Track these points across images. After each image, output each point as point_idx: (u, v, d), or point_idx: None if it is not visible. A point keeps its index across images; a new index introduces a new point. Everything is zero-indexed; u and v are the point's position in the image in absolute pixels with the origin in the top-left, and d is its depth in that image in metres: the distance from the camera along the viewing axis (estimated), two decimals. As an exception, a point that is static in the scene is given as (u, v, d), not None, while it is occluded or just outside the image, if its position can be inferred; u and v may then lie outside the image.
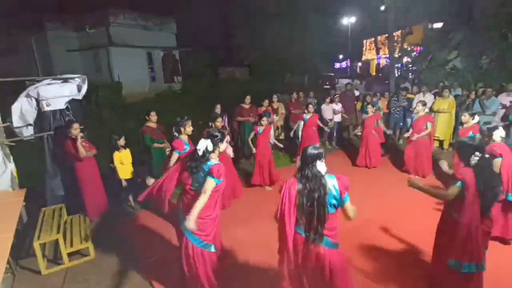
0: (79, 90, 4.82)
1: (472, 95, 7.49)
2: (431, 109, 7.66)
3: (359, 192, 5.41)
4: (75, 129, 4.35)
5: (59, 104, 4.64)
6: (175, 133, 4.18)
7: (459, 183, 2.63)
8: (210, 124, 5.15)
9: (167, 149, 5.55)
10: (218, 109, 6.85)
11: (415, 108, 7.90)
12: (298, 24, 18.88)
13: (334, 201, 2.25)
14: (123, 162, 4.87)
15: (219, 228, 2.93)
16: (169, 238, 4.06)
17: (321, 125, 6.91)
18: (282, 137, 8.22)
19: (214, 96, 12.10)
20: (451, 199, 2.69)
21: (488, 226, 2.86)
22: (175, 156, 3.77)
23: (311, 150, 2.31)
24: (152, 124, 5.44)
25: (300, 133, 6.90)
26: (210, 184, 2.51)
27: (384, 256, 3.63)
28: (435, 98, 7.76)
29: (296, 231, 2.31)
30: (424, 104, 5.93)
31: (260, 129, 5.68)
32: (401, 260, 3.54)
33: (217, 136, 2.71)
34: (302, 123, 6.79)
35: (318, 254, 2.30)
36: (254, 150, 5.76)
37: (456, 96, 7.84)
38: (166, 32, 20.06)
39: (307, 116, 6.66)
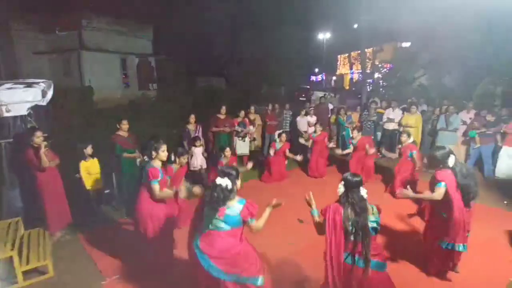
0: (43, 95, 4.56)
1: (437, 111, 7.93)
2: (399, 124, 8.03)
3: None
4: (38, 137, 4.09)
5: (21, 110, 4.36)
6: (145, 158, 3.73)
7: (442, 184, 3.09)
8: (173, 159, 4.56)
9: (138, 159, 5.37)
10: (192, 119, 6.76)
11: (384, 122, 8.30)
12: (275, 36, 19.27)
13: (375, 225, 2.48)
14: (90, 172, 4.64)
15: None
16: (136, 254, 3.86)
17: (290, 155, 6.78)
18: (257, 148, 8.23)
19: (190, 105, 11.95)
20: (440, 198, 3.11)
21: (468, 217, 3.30)
22: (156, 187, 3.39)
23: (353, 178, 2.51)
24: (123, 133, 5.26)
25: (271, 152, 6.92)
26: (254, 226, 2.57)
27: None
28: (403, 113, 8.13)
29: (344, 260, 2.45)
30: (409, 135, 5.92)
31: (224, 160, 5.61)
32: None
33: (233, 173, 2.61)
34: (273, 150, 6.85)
35: (368, 278, 2.40)
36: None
37: (422, 112, 8.27)
38: (142, 38, 19.70)
39: (278, 145, 6.75)
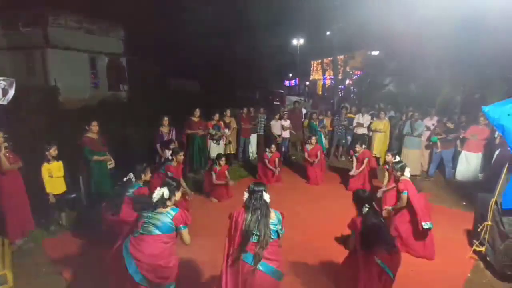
0: (4, 94, 4.28)
1: (404, 117, 8.36)
2: (369, 129, 8.37)
3: (306, 207, 5.63)
4: (-2, 138, 3.84)
5: (-21, 109, 4.08)
6: (132, 178, 3.91)
7: (404, 193, 3.93)
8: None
9: (109, 163, 5.19)
10: (166, 121, 6.64)
11: (354, 126, 8.62)
12: (250, 41, 19.44)
13: (277, 228, 2.59)
14: (53, 175, 4.39)
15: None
16: (99, 262, 3.71)
17: (270, 167, 6.94)
18: (233, 151, 8.21)
19: (162, 107, 11.70)
20: (406, 204, 3.97)
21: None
22: None
23: (256, 187, 2.66)
24: (93, 135, 5.06)
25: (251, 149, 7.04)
26: (185, 235, 2.70)
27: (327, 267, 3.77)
28: (372, 118, 8.50)
29: (242, 259, 2.50)
30: (361, 145, 6.57)
31: (218, 168, 5.92)
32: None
33: (173, 184, 2.83)
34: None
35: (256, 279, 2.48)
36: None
37: (390, 118, 8.68)
38: (113, 37, 19.01)
39: (269, 155, 6.97)
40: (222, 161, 5.99)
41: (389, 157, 5.42)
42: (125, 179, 3.88)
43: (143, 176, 4.00)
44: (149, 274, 2.57)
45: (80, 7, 16.27)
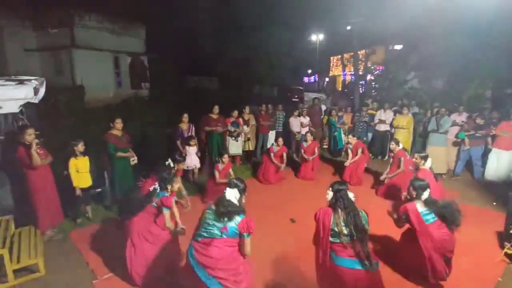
0: (35, 93, 4.49)
1: (428, 114, 8.06)
2: (391, 125, 8.14)
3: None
4: (30, 135, 4.03)
5: (12, 107, 4.28)
6: (156, 187, 3.59)
7: (404, 216, 3.35)
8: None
9: (132, 159, 5.34)
10: (185, 118, 6.74)
11: (376, 123, 8.41)
12: (269, 37, 19.31)
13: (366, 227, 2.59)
14: (79, 170, 4.58)
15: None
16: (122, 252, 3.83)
17: (275, 161, 6.78)
18: (252, 148, 8.24)
19: (182, 104, 11.89)
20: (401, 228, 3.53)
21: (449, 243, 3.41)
22: (167, 214, 3.30)
23: (340, 186, 2.67)
24: (117, 132, 5.21)
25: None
26: (247, 244, 2.55)
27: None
28: (394, 115, 8.25)
29: (341, 265, 2.53)
30: (397, 143, 5.96)
31: (221, 165, 5.70)
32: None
33: (241, 186, 2.74)
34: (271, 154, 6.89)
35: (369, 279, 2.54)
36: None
37: (414, 114, 8.39)
38: (135, 37, 19.51)
39: (276, 148, 6.84)
40: (225, 158, 5.70)
41: (393, 146, 5.79)
42: (167, 163, 3.94)
43: (169, 187, 3.48)
44: (221, 279, 2.49)
45: (103, 8, 16.78)
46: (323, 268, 2.66)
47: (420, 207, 3.28)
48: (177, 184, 3.69)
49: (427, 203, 3.29)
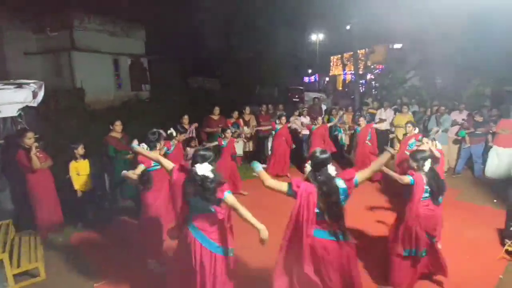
0: (34, 96, 4.51)
1: (428, 112, 8.04)
2: (391, 124, 8.12)
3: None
4: (29, 139, 4.05)
5: (11, 111, 4.30)
6: (173, 132, 4.08)
7: (410, 178, 3.19)
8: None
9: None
10: (185, 119, 6.74)
11: (377, 122, 8.39)
12: (268, 37, 19.33)
13: (344, 199, 2.45)
14: (80, 173, 4.58)
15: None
16: (127, 256, 3.84)
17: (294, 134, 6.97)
18: (251, 148, 8.23)
19: (183, 105, 11.91)
20: (402, 183, 3.23)
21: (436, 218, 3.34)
22: (138, 169, 3.52)
23: (321, 154, 2.45)
24: (117, 134, 5.23)
25: (270, 145, 6.98)
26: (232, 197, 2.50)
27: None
28: (395, 113, 8.23)
29: (316, 235, 2.43)
30: (414, 126, 5.89)
31: (224, 141, 5.73)
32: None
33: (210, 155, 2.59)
34: (273, 132, 6.98)
35: (342, 250, 2.45)
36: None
37: (413, 112, 8.38)
38: (135, 39, 19.55)
39: (278, 126, 6.82)
40: (228, 133, 5.71)
41: (410, 128, 5.56)
42: (169, 132, 3.97)
43: (158, 145, 3.65)
44: (218, 240, 2.55)
45: (103, 10, 16.81)
46: (293, 243, 2.54)
47: (424, 179, 3.21)
48: (163, 144, 3.85)
49: (428, 175, 3.22)
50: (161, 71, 19.67)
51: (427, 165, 3.23)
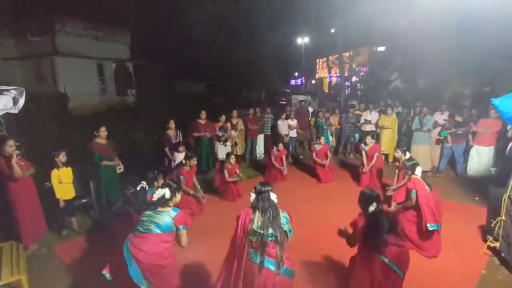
0: (15, 103, 4.37)
1: (412, 113, 8.24)
2: (376, 125, 8.29)
3: (316, 206, 5.60)
4: (10, 146, 3.93)
5: (-9, 118, 4.17)
6: (144, 185, 3.81)
7: (413, 192, 3.85)
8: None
9: (118, 168, 5.26)
10: (172, 124, 6.70)
11: (362, 123, 8.55)
12: (255, 41, 19.46)
13: (286, 229, 2.59)
14: (62, 181, 4.47)
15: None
16: (114, 264, 3.74)
17: (276, 164, 6.95)
18: (240, 152, 8.23)
19: (170, 110, 11.79)
20: (414, 203, 3.88)
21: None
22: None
23: (262, 187, 2.63)
24: (102, 140, 5.13)
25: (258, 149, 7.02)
26: (183, 236, 2.73)
27: (336, 266, 3.74)
28: (379, 115, 8.41)
29: (255, 262, 2.49)
30: (404, 152, 5.55)
31: (229, 166, 5.97)
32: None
33: (174, 186, 2.89)
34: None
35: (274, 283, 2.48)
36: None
37: (397, 114, 8.57)
38: (119, 43, 19.28)
39: (277, 153, 6.98)
40: (232, 159, 6.04)
41: (398, 154, 5.27)
42: (138, 188, 3.80)
43: (155, 183, 3.94)
44: (149, 275, 2.59)
45: (86, 14, 16.52)
46: (231, 266, 2.64)
47: (422, 180, 3.94)
48: (161, 180, 4.02)
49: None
50: (147, 76, 19.45)
51: (419, 170, 4.05)
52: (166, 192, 2.78)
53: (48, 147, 5.99)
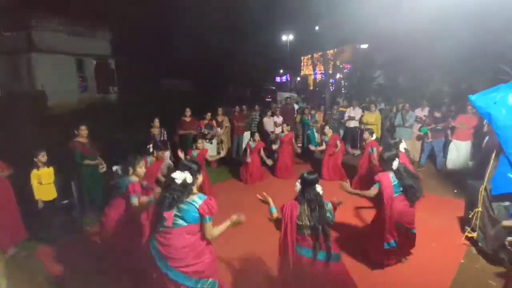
0: (-11, 101, 4.20)
1: (394, 109, 8.43)
2: (360, 122, 8.44)
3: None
4: (-16, 147, 3.77)
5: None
6: (118, 171, 3.60)
7: (377, 184, 3.43)
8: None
9: (100, 167, 5.14)
10: (156, 123, 6.59)
11: (346, 120, 8.68)
12: (240, 38, 19.37)
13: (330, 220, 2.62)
14: (42, 182, 4.31)
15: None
16: (95, 270, 3.64)
17: (263, 156, 6.83)
18: (225, 150, 8.18)
19: (154, 108, 11.61)
20: (373, 195, 3.50)
21: (410, 216, 3.51)
22: (135, 201, 3.22)
23: (309, 176, 2.65)
24: (82, 139, 5.01)
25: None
26: (209, 227, 2.43)
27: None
28: (363, 111, 8.56)
29: (299, 253, 2.58)
30: (371, 134, 6.07)
31: (194, 152, 5.63)
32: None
33: (194, 167, 2.53)
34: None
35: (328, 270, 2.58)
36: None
37: (381, 110, 8.75)
38: (100, 39, 18.73)
39: (253, 144, 6.77)
40: (200, 144, 5.63)
41: (366, 135, 5.81)
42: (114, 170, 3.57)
43: (138, 168, 3.42)
44: (182, 268, 2.37)
45: (64, 8, 15.92)
46: (285, 259, 2.68)
47: (392, 177, 3.43)
48: (142, 169, 3.48)
49: (398, 172, 3.42)
50: (130, 73, 19.03)
51: (395, 164, 3.44)
52: (187, 176, 2.44)
53: (26, 147, 5.78)
